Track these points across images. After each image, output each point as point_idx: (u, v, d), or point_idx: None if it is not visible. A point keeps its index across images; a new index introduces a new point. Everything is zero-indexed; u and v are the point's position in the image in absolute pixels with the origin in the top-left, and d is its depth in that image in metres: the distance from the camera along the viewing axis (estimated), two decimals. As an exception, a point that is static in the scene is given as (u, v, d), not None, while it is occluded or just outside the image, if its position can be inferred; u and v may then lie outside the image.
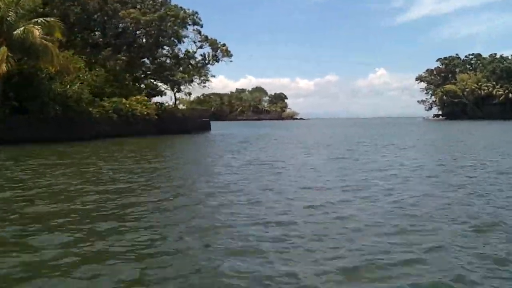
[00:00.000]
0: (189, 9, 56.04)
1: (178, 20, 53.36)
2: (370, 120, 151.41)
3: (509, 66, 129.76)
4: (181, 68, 52.26)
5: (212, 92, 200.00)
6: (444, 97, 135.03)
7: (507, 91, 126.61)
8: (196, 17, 56.01)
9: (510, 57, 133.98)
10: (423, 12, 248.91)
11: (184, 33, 55.06)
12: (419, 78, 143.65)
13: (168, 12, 51.85)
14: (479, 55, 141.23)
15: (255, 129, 65.13)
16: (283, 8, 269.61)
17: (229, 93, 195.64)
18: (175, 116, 49.38)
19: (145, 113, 42.61)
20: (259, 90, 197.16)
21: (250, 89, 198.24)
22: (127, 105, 40.45)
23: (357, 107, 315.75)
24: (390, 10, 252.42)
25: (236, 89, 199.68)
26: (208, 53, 56.34)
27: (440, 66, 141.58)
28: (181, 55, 56.34)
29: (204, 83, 56.82)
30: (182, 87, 54.73)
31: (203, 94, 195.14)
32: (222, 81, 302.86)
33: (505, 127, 65.90)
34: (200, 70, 56.32)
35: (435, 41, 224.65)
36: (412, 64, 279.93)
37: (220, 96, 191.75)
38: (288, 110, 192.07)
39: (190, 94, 54.98)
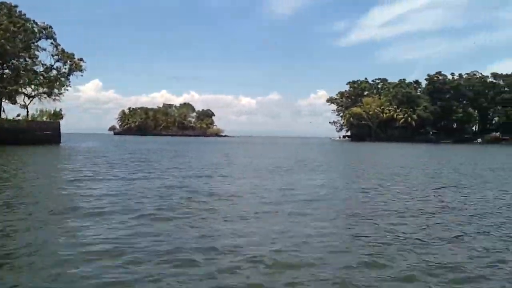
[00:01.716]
0: (43, 23, 57.33)
1: (28, 33, 54.48)
2: (283, 139, 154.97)
3: (409, 92, 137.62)
4: (21, 81, 52.90)
5: (140, 106, 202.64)
6: (351, 119, 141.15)
7: (406, 115, 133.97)
8: (50, 31, 57.23)
9: (412, 82, 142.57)
10: (365, 37, 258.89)
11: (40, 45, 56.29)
12: (330, 100, 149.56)
13: (16, 26, 52.79)
14: (385, 79, 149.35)
15: (140, 145, 62.29)
16: (232, 27, 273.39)
17: (156, 107, 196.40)
18: (12, 128, 50.12)
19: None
20: (186, 106, 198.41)
21: (177, 105, 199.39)
22: None
23: (299, 126, 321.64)
24: (332, 33, 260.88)
25: (163, 104, 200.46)
26: (60, 66, 57.53)
27: (349, 90, 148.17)
28: (39, 68, 57.33)
29: (58, 96, 57.66)
30: (26, 100, 55.46)
31: (129, 108, 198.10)
32: (164, 95, 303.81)
33: (374, 148, 69.83)
34: (53, 83, 57.17)
35: (376, 64, 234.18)
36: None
37: (145, 110, 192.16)
38: (213, 127, 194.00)
39: (26, 106, 55.45)
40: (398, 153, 54.29)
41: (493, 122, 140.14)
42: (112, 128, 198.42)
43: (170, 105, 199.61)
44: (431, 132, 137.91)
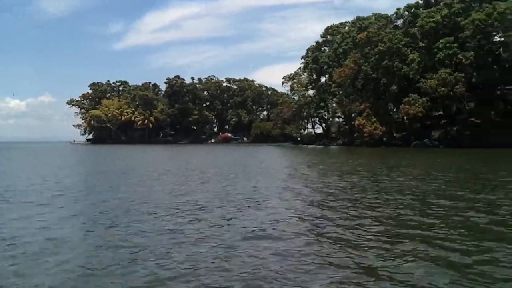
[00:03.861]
0: None
1: None
2: (28, 144, 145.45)
3: (146, 94, 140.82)
4: None
5: None
6: (92, 121, 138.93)
7: (143, 117, 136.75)
8: None
9: (152, 85, 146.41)
10: (139, 41, 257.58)
11: None
12: (70, 103, 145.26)
13: None
14: (126, 82, 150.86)
15: None
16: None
17: None
18: None
19: None
20: None
21: None
22: None
23: (69, 130, 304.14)
24: (108, 36, 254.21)
25: None
26: None
27: (90, 92, 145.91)
28: None
29: None
30: None
31: None
32: None
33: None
34: None
35: (151, 68, 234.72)
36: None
37: None
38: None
39: None
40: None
41: (230, 123, 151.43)
42: None
43: None
44: (169, 133, 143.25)
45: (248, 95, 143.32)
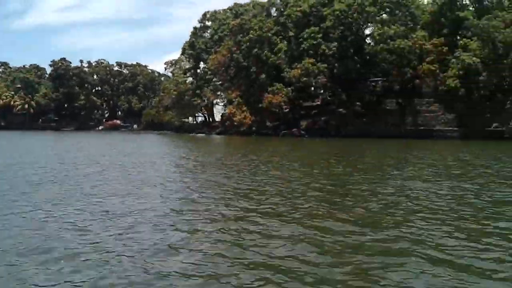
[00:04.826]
0: None
1: None
2: None
3: (27, 77, 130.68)
4: None
5: None
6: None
7: (23, 101, 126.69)
8: None
9: (34, 68, 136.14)
10: (42, 20, 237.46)
11: None
12: None
13: None
14: (6, 63, 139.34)
15: None
16: None
17: None
18: None
19: None
20: None
21: None
22: None
23: None
24: (7, 13, 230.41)
25: None
26: None
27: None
28: None
29: None
30: None
31: None
32: None
33: None
34: None
35: (54, 50, 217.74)
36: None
37: None
38: None
39: None
40: None
41: (122, 109, 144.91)
42: None
43: None
44: (53, 119, 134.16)
45: (139, 81, 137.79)
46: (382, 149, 37.64)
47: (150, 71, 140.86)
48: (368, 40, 66.84)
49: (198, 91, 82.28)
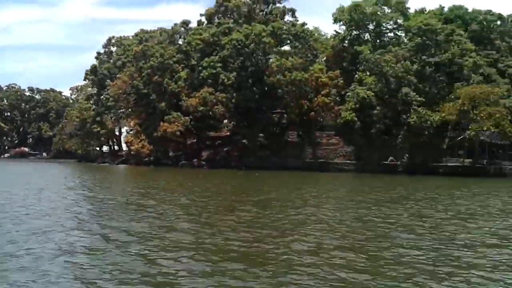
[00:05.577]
0: None
1: None
2: None
3: None
4: None
5: None
6: None
7: None
8: None
9: None
10: None
11: None
12: None
13: None
14: None
15: None
16: None
17: None
18: None
19: None
20: None
21: None
22: None
23: None
24: None
25: None
26: None
27: None
28: None
29: None
30: None
31: None
32: None
33: None
34: None
35: None
36: None
37: None
38: None
39: None
40: None
41: (32, 136, 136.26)
42: None
43: None
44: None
45: (52, 107, 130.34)
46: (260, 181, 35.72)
47: (64, 97, 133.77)
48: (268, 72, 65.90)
49: (98, 119, 77.89)
